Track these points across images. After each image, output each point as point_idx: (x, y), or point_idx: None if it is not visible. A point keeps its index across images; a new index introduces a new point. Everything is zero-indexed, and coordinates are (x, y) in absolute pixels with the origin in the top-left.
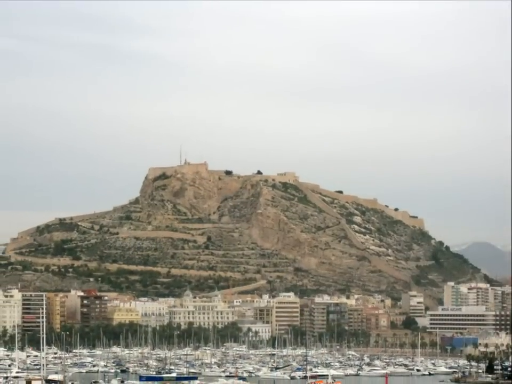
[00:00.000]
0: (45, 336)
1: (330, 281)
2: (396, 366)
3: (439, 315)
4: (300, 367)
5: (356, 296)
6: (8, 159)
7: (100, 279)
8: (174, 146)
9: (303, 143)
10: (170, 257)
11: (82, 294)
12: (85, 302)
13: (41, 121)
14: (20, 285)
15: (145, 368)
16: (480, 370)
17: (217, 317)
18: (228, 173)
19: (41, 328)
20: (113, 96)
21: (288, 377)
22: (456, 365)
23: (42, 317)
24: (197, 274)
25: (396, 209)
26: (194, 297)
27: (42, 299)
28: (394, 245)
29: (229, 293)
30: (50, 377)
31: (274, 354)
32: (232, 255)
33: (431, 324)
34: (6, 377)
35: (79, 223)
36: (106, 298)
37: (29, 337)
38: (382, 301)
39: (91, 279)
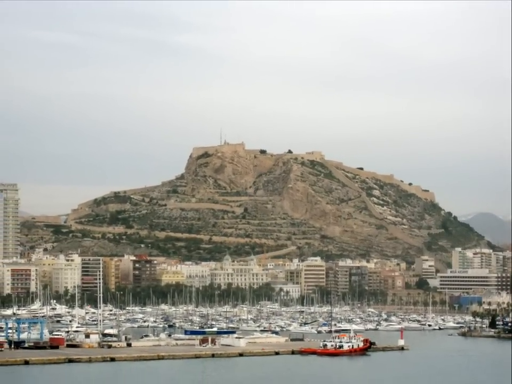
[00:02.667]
0: (101, 295)
1: (352, 247)
2: (410, 322)
3: (448, 277)
4: (325, 322)
5: (375, 260)
6: (70, 140)
7: (150, 245)
8: (215, 129)
9: (328, 125)
10: (211, 226)
11: (134, 258)
12: (137, 265)
13: (98, 106)
14: (79, 250)
15: (189, 323)
16: (484, 325)
17: (253, 279)
18: (262, 152)
19: (98, 288)
20: (162, 84)
21: (315, 331)
22: (463, 321)
23: (99, 279)
24: (235, 241)
25: (410, 184)
26: (233, 261)
27: (99, 263)
28: (409, 215)
29: (263, 257)
30: (106, 331)
31: (303, 311)
32: (266, 224)
33: (441, 284)
34: (68, 331)
35: (132, 196)
36: (155, 262)
37: (88, 296)
38: (398, 264)
39: (142, 245)
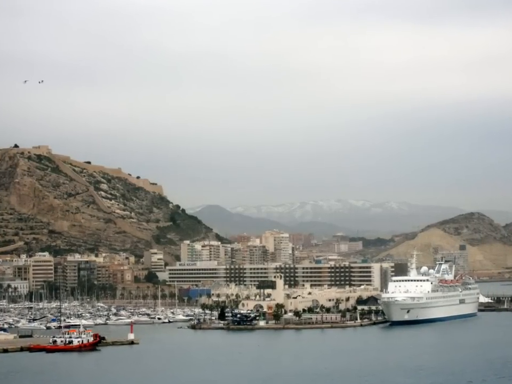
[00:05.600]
0: None
1: (81, 242)
2: (139, 316)
3: (177, 269)
4: (54, 318)
5: (104, 254)
6: None
7: None
8: None
9: (56, 121)
10: None
11: None
12: None
13: None
14: None
15: None
16: (213, 317)
17: None
18: None
19: None
20: None
21: (45, 327)
22: (192, 313)
23: None
24: None
25: (138, 177)
26: None
27: None
28: (137, 208)
29: None
30: None
31: (31, 308)
32: None
33: (170, 277)
34: None
35: None
36: None
37: None
38: (127, 258)
39: None
